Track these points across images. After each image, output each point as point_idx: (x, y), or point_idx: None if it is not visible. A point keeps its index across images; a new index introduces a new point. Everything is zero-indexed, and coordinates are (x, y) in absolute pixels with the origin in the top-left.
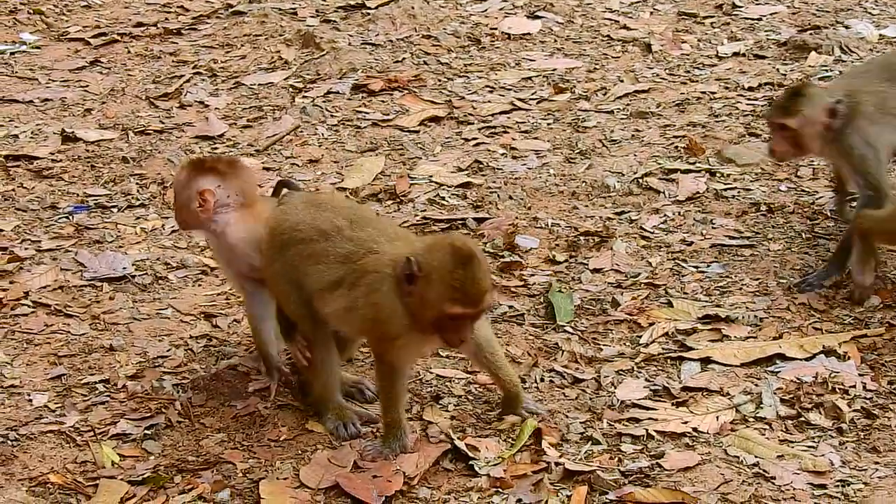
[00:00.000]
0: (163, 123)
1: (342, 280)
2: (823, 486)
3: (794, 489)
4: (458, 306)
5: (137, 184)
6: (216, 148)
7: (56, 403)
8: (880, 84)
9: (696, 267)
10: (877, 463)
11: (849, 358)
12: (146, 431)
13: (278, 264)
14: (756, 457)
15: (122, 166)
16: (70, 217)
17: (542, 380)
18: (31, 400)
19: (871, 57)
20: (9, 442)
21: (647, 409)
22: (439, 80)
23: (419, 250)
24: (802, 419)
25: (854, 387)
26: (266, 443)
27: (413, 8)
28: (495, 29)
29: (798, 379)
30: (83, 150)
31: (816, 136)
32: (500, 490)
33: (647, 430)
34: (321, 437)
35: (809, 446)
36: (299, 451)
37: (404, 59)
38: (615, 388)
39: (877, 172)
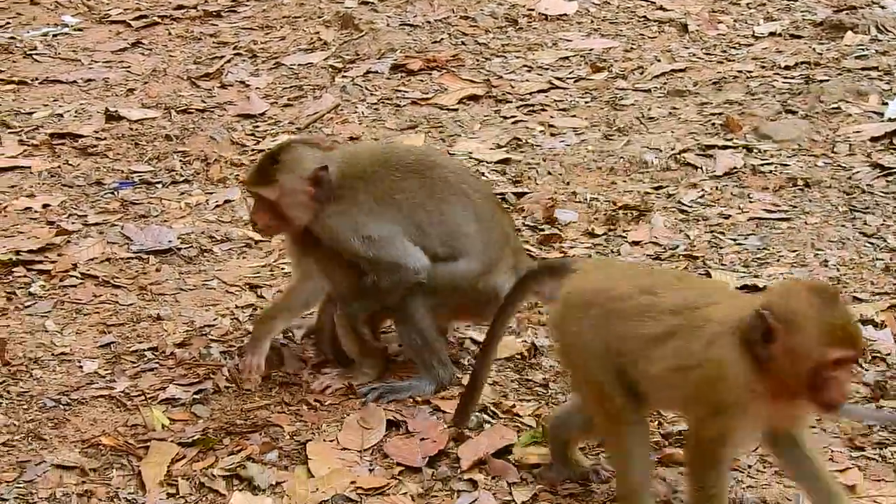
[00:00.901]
0: (204, 103)
1: (674, 331)
2: (861, 449)
3: (832, 451)
4: (840, 349)
5: (181, 160)
6: (258, 126)
7: (106, 370)
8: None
9: (733, 239)
10: None
11: (885, 326)
12: (195, 396)
13: (582, 330)
14: None
15: (165, 144)
16: (115, 193)
17: None
18: (81, 367)
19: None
20: (61, 406)
21: None
22: (477, 60)
23: (766, 303)
24: None
25: (890, 354)
26: (312, 405)
27: None
28: (532, 10)
29: None
30: (126, 129)
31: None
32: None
33: None
34: (364, 397)
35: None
36: (345, 414)
37: (442, 39)
38: None
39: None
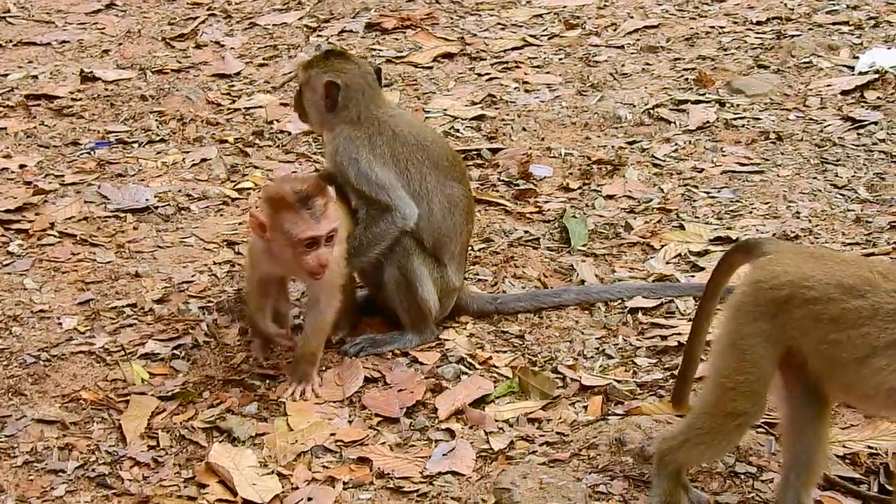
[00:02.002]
0: (180, 63)
1: None
2: None
3: None
4: None
5: (157, 120)
6: (233, 86)
7: (85, 326)
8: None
9: (706, 192)
10: None
11: None
12: (174, 351)
13: (764, 328)
14: None
15: (140, 104)
16: (92, 152)
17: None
18: (60, 323)
19: None
20: (41, 362)
21: (661, 325)
22: (451, 19)
23: None
24: None
25: None
26: (290, 360)
27: None
28: None
29: None
30: (102, 90)
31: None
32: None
33: (660, 344)
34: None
35: None
36: (322, 368)
37: None
38: (629, 304)
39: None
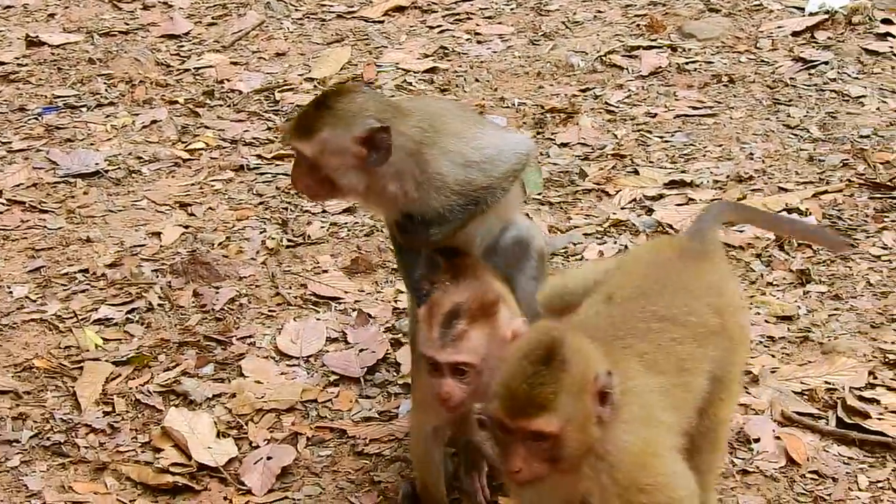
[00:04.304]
0: (127, 25)
1: None
2: (791, 330)
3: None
4: None
5: (105, 83)
6: (182, 46)
7: (37, 294)
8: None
9: (660, 137)
10: (837, 310)
11: (810, 214)
12: (128, 315)
13: None
14: None
15: (88, 67)
16: (40, 118)
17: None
18: (11, 292)
19: None
20: None
21: None
22: None
23: None
24: (767, 272)
25: None
26: (247, 319)
27: None
28: None
29: (763, 236)
30: (49, 54)
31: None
32: None
33: None
34: (300, 310)
35: (775, 295)
36: (279, 326)
37: None
38: (585, 251)
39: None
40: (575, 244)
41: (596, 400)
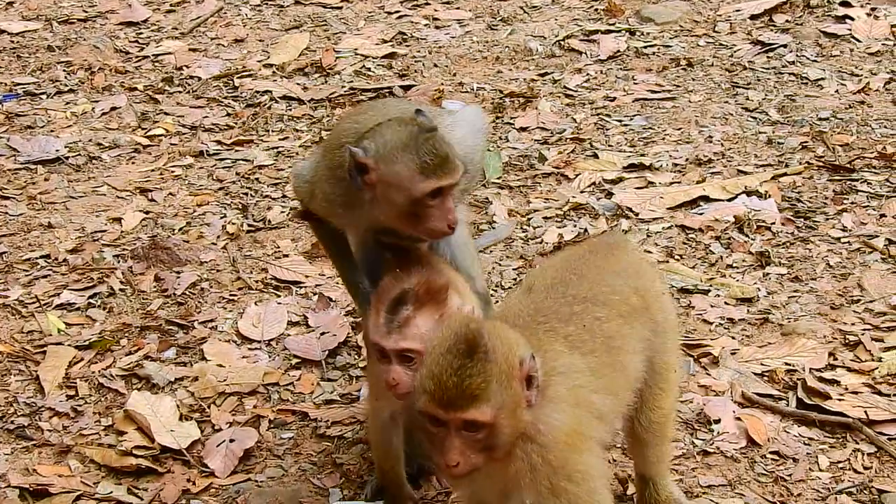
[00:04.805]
0: (86, 12)
1: None
2: (751, 312)
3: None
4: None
5: (65, 70)
6: (141, 33)
7: None
8: None
9: (619, 121)
10: (797, 292)
11: (769, 196)
12: (90, 300)
13: None
14: (685, 286)
15: (48, 55)
16: (0, 105)
17: (477, 232)
18: None
19: None
20: None
21: None
22: None
23: None
24: (727, 254)
25: (774, 223)
26: (209, 303)
27: None
28: None
29: (722, 218)
30: (7, 42)
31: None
32: None
33: None
34: (261, 294)
35: (735, 277)
36: (241, 310)
37: None
38: (545, 234)
39: None
40: (535, 227)
41: (523, 384)
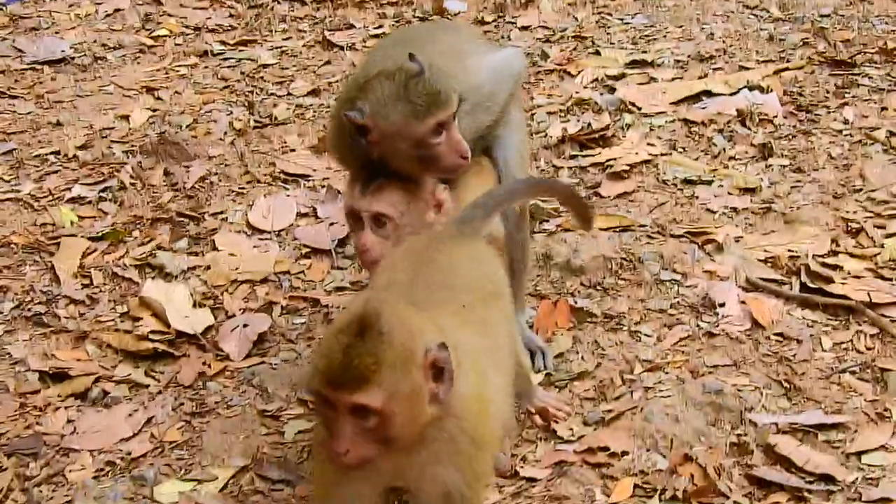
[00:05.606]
0: None
1: None
2: (754, 201)
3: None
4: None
5: None
6: None
7: (10, 175)
8: None
9: (620, 19)
10: (799, 182)
11: (771, 91)
12: (101, 194)
13: None
14: (689, 177)
15: None
16: (4, 7)
17: None
18: None
19: None
20: None
21: (582, 146)
22: None
23: None
24: (730, 146)
25: (776, 116)
26: (219, 196)
27: None
28: None
29: (725, 112)
30: None
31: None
32: None
33: (582, 163)
34: (269, 187)
35: (738, 169)
36: (250, 202)
37: None
38: (549, 129)
39: None
40: (539, 122)
41: (428, 375)
